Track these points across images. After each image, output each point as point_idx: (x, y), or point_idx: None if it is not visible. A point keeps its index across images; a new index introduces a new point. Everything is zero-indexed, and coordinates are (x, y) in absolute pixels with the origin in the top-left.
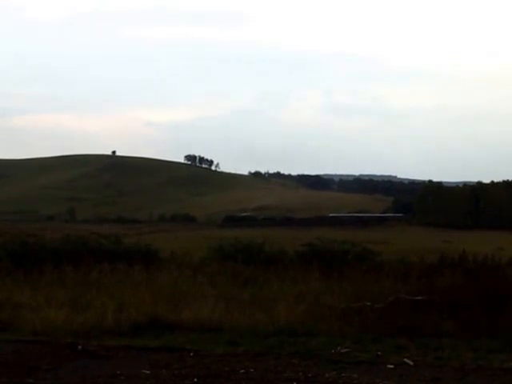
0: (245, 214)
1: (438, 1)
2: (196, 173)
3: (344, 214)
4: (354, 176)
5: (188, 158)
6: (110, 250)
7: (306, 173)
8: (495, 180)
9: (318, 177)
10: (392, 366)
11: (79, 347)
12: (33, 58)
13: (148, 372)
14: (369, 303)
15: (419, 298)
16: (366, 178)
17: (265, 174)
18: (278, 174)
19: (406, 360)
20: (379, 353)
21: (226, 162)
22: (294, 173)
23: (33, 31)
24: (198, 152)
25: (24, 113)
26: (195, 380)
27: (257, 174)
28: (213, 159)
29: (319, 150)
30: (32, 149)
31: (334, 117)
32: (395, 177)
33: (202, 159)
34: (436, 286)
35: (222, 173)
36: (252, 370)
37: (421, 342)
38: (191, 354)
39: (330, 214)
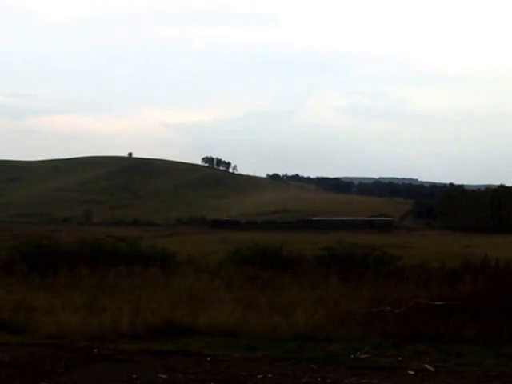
0: (228, 218)
1: (463, 2)
2: (213, 175)
3: (329, 218)
4: (374, 179)
5: (205, 160)
6: (127, 253)
7: (325, 175)
8: None
9: (337, 180)
10: (413, 372)
11: (94, 351)
12: (49, 59)
13: (164, 376)
14: (389, 308)
15: (440, 303)
16: (386, 180)
17: (283, 176)
18: (296, 177)
19: (426, 366)
20: (399, 358)
21: (244, 164)
22: (312, 175)
23: (48, 32)
24: (215, 154)
25: (40, 114)
26: None
27: (275, 177)
28: (231, 161)
29: (339, 152)
30: (48, 150)
31: (354, 118)
32: (416, 180)
33: (219, 161)
34: (457, 292)
35: (239, 175)
36: (270, 375)
37: (442, 348)
38: (208, 359)
39: (314, 218)
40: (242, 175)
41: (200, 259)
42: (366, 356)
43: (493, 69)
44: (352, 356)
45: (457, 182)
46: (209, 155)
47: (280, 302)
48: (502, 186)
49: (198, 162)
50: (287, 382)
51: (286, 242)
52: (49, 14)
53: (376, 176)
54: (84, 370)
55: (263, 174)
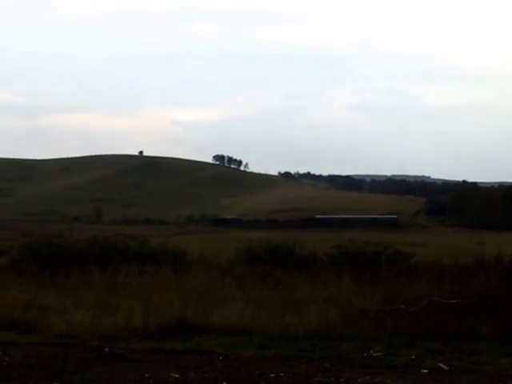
0: (231, 216)
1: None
2: (224, 173)
3: (332, 216)
4: (386, 176)
5: (216, 158)
6: (138, 252)
7: (337, 173)
8: None
9: (349, 177)
10: (426, 371)
11: (106, 350)
12: (60, 57)
13: (177, 375)
14: (402, 306)
15: (454, 301)
16: (399, 178)
17: (295, 174)
18: (308, 175)
19: (440, 365)
20: (413, 357)
21: (255, 162)
22: (324, 173)
23: (60, 30)
24: (226, 152)
25: (51, 112)
26: None
27: (286, 175)
28: (242, 159)
29: (351, 149)
30: (58, 148)
31: (367, 116)
32: (428, 177)
33: (230, 159)
34: (471, 289)
35: (250, 173)
36: (282, 374)
37: (455, 347)
38: (220, 358)
39: (317, 216)
40: (254, 173)
41: (211, 258)
42: (379, 354)
43: (507, 66)
44: (365, 355)
45: (470, 180)
46: (220, 153)
47: (292, 300)
48: None
49: (209, 159)
50: (300, 381)
51: (293, 240)
52: (59, 13)
53: (388, 173)
54: (96, 369)
55: (275, 172)
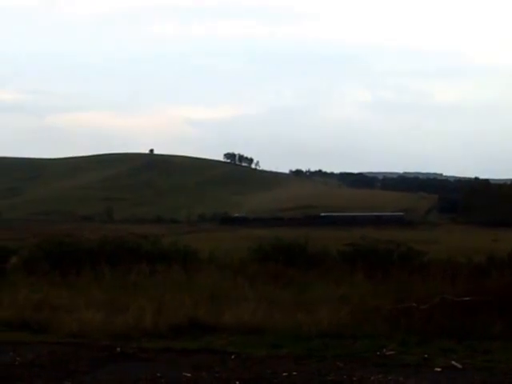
0: (238, 214)
1: None
2: (236, 171)
3: (339, 214)
4: (399, 174)
5: (228, 156)
6: (149, 251)
7: (349, 171)
8: None
9: (361, 175)
10: (439, 369)
11: (118, 349)
12: (69, 56)
13: (189, 375)
14: (415, 304)
15: (467, 298)
16: (411, 175)
17: (306, 172)
18: (319, 172)
19: (453, 363)
20: (426, 355)
21: (267, 160)
22: (336, 171)
23: (69, 29)
24: (238, 150)
25: (60, 111)
26: (237, 383)
27: (298, 173)
28: (253, 157)
29: (362, 147)
30: (68, 147)
31: (378, 113)
32: (441, 174)
33: (241, 157)
34: (484, 287)
35: (262, 171)
36: (295, 373)
37: (469, 345)
38: (232, 357)
39: (322, 214)
40: (265, 171)
41: (222, 256)
42: (391, 353)
43: None
44: (378, 353)
45: (482, 177)
46: (231, 151)
47: (304, 299)
48: None
49: (221, 158)
50: (313, 380)
51: (303, 238)
52: (70, 10)
53: (400, 171)
54: (107, 368)
55: (286, 170)
